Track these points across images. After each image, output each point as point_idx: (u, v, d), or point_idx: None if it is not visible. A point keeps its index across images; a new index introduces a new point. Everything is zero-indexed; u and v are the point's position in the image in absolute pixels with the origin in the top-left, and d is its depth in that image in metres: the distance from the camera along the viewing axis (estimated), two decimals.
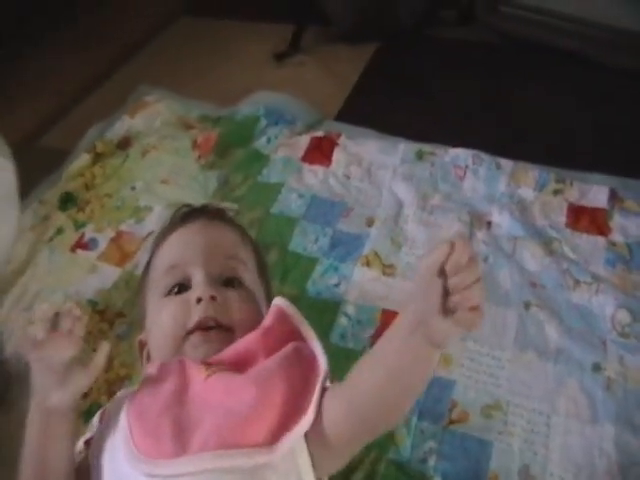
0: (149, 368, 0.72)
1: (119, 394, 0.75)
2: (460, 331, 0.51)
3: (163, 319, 0.73)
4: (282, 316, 0.69)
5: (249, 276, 0.79)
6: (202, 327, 0.71)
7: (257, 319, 0.73)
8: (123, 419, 0.66)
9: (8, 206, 1.03)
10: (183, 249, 0.79)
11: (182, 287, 0.75)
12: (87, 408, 0.89)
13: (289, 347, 0.66)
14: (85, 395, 0.90)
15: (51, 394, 0.64)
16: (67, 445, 0.68)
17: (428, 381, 0.58)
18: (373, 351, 0.60)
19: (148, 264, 0.84)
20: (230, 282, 0.76)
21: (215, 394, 0.63)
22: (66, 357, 0.63)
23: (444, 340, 0.53)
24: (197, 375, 0.65)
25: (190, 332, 0.71)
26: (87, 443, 0.71)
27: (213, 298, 0.73)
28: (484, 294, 0.49)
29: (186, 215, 0.86)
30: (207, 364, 0.67)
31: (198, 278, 0.75)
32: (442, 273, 0.49)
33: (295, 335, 0.68)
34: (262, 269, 0.84)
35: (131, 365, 0.92)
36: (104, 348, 0.66)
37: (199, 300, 0.72)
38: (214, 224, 0.84)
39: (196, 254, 0.77)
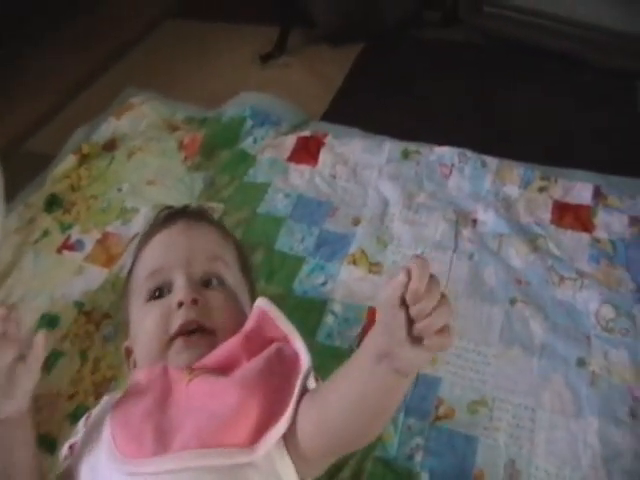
0: (134, 374, 0.73)
1: (104, 399, 0.74)
2: (429, 357, 0.50)
3: (146, 325, 0.73)
4: (264, 317, 0.69)
5: (232, 276, 0.79)
6: (184, 332, 0.71)
7: (240, 319, 0.73)
8: (106, 426, 0.66)
9: None
10: (164, 253, 0.79)
11: (163, 291, 0.75)
12: (73, 410, 0.89)
13: (272, 348, 0.66)
14: (71, 397, 0.90)
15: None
16: (28, 453, 0.66)
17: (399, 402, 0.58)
18: (340, 377, 0.58)
19: (131, 269, 0.84)
20: (211, 282, 0.76)
21: (197, 397, 0.64)
22: (4, 364, 0.60)
23: (412, 369, 0.52)
24: (179, 380, 0.66)
25: (173, 337, 0.71)
26: (72, 448, 0.71)
27: (194, 302, 0.73)
28: (450, 312, 0.47)
29: (167, 217, 0.86)
30: (190, 369, 0.67)
31: (179, 282, 0.74)
32: (403, 303, 0.47)
33: (278, 336, 0.68)
34: (245, 268, 0.84)
35: (117, 367, 0.92)
36: (40, 339, 0.63)
37: (180, 304, 0.72)
38: (195, 225, 0.84)
39: (177, 257, 0.77)
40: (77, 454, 0.69)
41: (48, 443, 0.85)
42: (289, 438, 0.61)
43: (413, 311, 0.47)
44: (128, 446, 0.62)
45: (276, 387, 0.62)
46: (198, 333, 0.72)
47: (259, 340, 0.68)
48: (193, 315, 0.72)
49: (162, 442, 0.60)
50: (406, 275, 0.47)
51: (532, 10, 1.75)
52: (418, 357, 0.50)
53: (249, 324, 0.70)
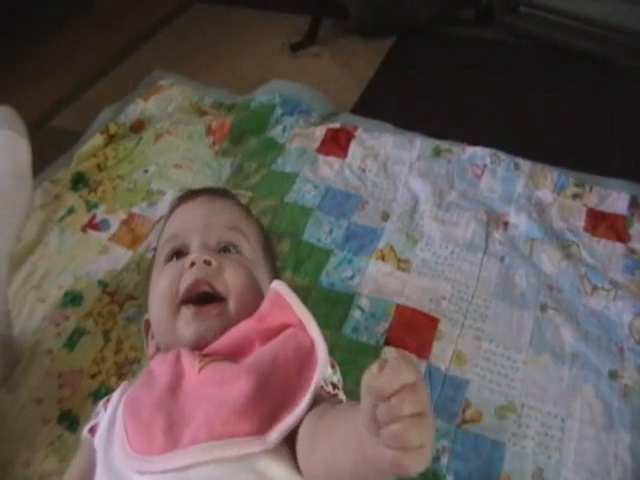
0: (150, 362, 0.72)
1: (122, 385, 0.73)
2: (398, 461, 0.40)
3: (158, 285, 0.73)
4: (280, 301, 0.66)
5: (250, 250, 0.77)
6: (194, 296, 0.70)
7: (254, 294, 0.72)
8: (120, 412, 0.65)
9: (22, 183, 1.01)
10: (184, 220, 0.79)
11: (179, 254, 0.75)
12: (96, 389, 0.88)
13: (287, 333, 0.64)
14: (94, 376, 0.90)
15: None
16: None
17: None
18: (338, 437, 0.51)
19: (155, 248, 0.84)
20: (227, 249, 0.75)
21: (208, 386, 0.62)
22: None
23: (383, 467, 0.42)
24: (191, 367, 0.64)
25: (183, 301, 0.70)
26: (92, 430, 0.70)
27: (207, 262, 0.71)
28: (429, 434, 0.40)
29: (189, 194, 0.86)
30: (202, 355, 0.65)
31: (195, 245, 0.74)
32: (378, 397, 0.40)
33: (293, 321, 0.65)
34: (266, 245, 0.83)
35: (140, 348, 0.91)
36: None
37: (192, 264, 0.71)
38: (217, 199, 0.84)
39: (195, 223, 0.77)
40: (97, 438, 0.68)
41: (70, 420, 0.84)
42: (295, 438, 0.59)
43: (378, 411, 0.40)
44: (138, 439, 0.61)
45: (291, 375, 0.60)
46: (209, 303, 0.70)
47: (274, 324, 0.65)
48: (203, 274, 0.70)
49: (172, 436, 0.59)
50: (377, 368, 0.40)
51: (568, 12, 1.73)
52: (382, 455, 0.41)
53: (264, 306, 0.68)
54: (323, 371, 0.61)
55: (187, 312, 0.69)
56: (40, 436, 0.82)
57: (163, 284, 0.72)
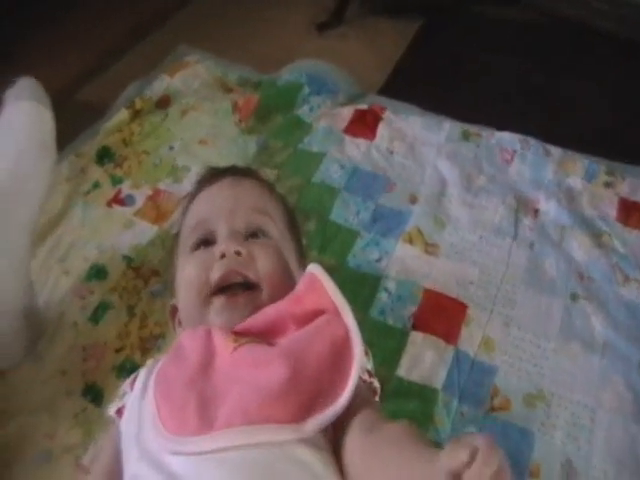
0: (178, 337, 0.70)
1: (149, 362, 0.72)
2: None
3: (187, 274, 0.72)
4: (315, 285, 0.65)
5: (277, 231, 0.76)
6: (227, 285, 0.69)
7: (285, 275, 0.71)
8: (150, 390, 0.64)
9: (45, 154, 1.01)
10: (209, 205, 0.78)
11: (207, 242, 0.73)
12: (120, 363, 0.88)
13: (322, 320, 0.63)
14: (118, 350, 0.89)
15: None
16: None
17: None
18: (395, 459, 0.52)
19: (178, 229, 0.82)
20: (255, 234, 0.74)
21: (243, 367, 0.61)
22: None
23: None
24: (224, 346, 0.63)
25: (214, 292, 0.69)
26: (120, 411, 0.69)
27: (237, 253, 0.70)
28: None
29: (213, 175, 0.85)
30: (235, 334, 0.64)
31: (223, 232, 0.73)
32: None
33: (328, 307, 0.64)
34: (292, 225, 0.81)
35: (165, 324, 0.91)
36: None
37: (223, 256, 0.70)
38: (241, 181, 0.82)
39: (221, 209, 0.75)
40: (125, 416, 0.67)
41: (94, 393, 0.84)
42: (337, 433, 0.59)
43: None
44: (171, 419, 0.59)
45: (326, 364, 0.59)
46: (241, 292, 0.69)
47: (308, 308, 0.64)
48: (235, 265, 0.69)
49: (206, 416, 0.58)
50: (469, 455, 0.40)
51: None
52: None
53: (300, 287, 0.66)
54: (360, 363, 0.60)
55: (218, 303, 0.69)
56: (64, 408, 0.83)
57: (192, 274, 0.71)
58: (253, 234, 0.74)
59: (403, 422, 0.56)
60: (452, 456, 0.41)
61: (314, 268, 0.66)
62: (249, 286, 0.70)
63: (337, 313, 0.63)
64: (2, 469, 0.76)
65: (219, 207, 0.76)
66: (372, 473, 0.54)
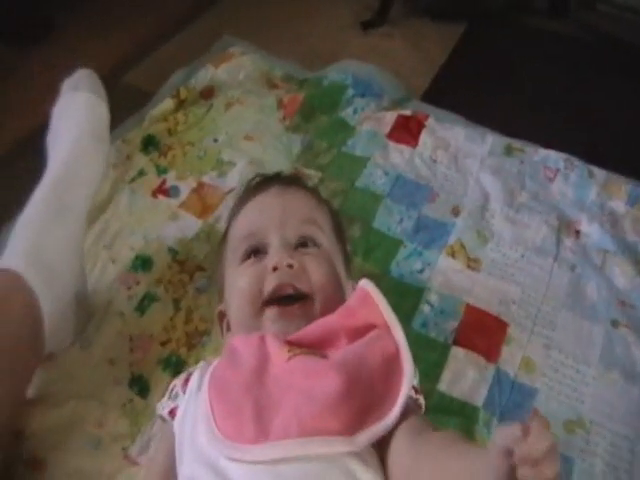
0: (230, 340, 0.72)
1: (201, 366, 0.73)
2: None
3: (240, 285, 0.73)
4: (367, 300, 0.67)
5: (326, 239, 0.78)
6: (280, 296, 0.71)
7: (335, 283, 0.73)
8: (204, 392, 0.65)
9: (100, 145, 1.02)
10: (259, 216, 0.79)
11: (258, 253, 0.75)
12: (166, 357, 0.89)
13: (373, 335, 0.64)
14: (164, 343, 0.91)
15: None
16: None
17: None
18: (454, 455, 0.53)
19: (225, 235, 0.84)
20: (305, 244, 0.75)
21: (297, 377, 0.62)
22: None
23: None
24: (279, 355, 0.64)
25: (267, 303, 0.71)
26: (172, 412, 0.71)
27: (290, 266, 0.72)
28: None
29: (260, 183, 0.86)
30: (289, 343, 0.66)
31: (274, 244, 0.74)
32: (511, 454, 0.41)
33: (378, 322, 0.65)
34: (339, 234, 0.83)
35: (210, 320, 0.92)
36: None
37: (275, 269, 0.71)
38: (289, 190, 0.83)
39: (272, 220, 0.76)
40: (179, 417, 0.69)
41: (141, 386, 0.86)
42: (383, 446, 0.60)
43: (520, 474, 0.41)
44: (228, 424, 0.61)
45: (378, 379, 0.61)
46: (294, 302, 0.71)
47: (360, 322, 0.66)
48: (287, 278, 0.71)
49: (262, 424, 0.59)
50: (522, 432, 0.41)
51: None
52: None
53: (352, 303, 0.68)
54: (411, 381, 0.61)
55: (271, 313, 0.70)
56: (112, 396, 0.84)
57: (244, 285, 0.72)
58: (304, 244, 0.75)
59: (450, 429, 0.58)
60: (505, 434, 0.42)
61: (366, 284, 0.68)
62: (301, 296, 0.71)
63: (387, 329, 0.65)
64: (53, 451, 0.77)
65: (269, 217, 0.77)
66: (421, 469, 0.56)
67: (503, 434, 0.42)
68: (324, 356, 0.65)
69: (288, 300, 0.71)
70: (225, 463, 0.59)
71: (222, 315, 0.79)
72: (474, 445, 0.51)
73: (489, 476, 0.44)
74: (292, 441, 0.58)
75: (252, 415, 0.60)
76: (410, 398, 0.65)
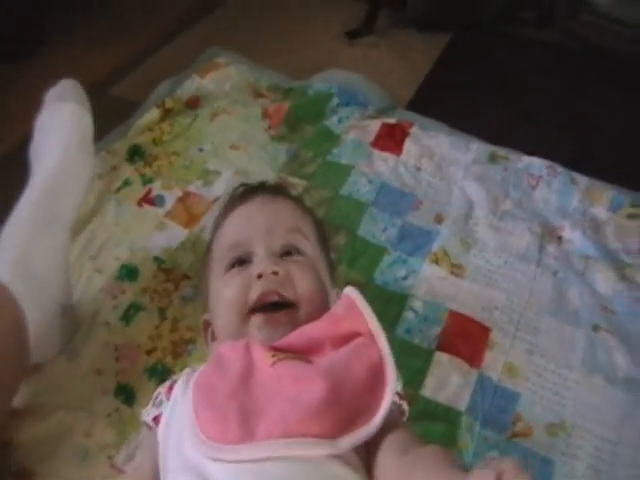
0: (217, 348, 0.72)
1: (186, 372, 0.73)
2: None
3: (225, 294, 0.73)
4: (351, 307, 0.68)
5: (310, 247, 0.78)
6: (265, 303, 0.71)
7: (321, 293, 0.74)
8: (189, 398, 0.66)
9: (86, 155, 1.03)
10: (244, 226, 0.79)
11: (243, 262, 0.75)
12: (152, 365, 0.89)
13: (358, 342, 0.65)
14: (149, 352, 0.91)
15: None
16: None
17: None
18: None
19: (210, 245, 0.84)
20: (289, 252, 0.76)
21: (282, 382, 0.63)
22: None
23: None
24: (263, 360, 0.65)
25: (253, 311, 0.71)
26: (156, 419, 0.71)
27: (275, 273, 0.72)
28: None
29: (245, 193, 0.86)
30: (273, 349, 0.66)
31: (259, 253, 0.75)
32: None
33: (363, 330, 0.66)
34: (324, 243, 0.84)
35: (196, 328, 0.92)
36: None
37: (260, 276, 0.72)
38: (273, 199, 0.84)
39: (257, 229, 0.77)
40: (163, 424, 0.69)
41: (127, 394, 0.86)
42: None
43: None
44: (213, 427, 0.61)
45: (363, 386, 0.62)
46: (280, 310, 0.71)
47: (345, 330, 0.67)
48: (273, 285, 0.71)
49: (247, 427, 0.59)
50: (496, 475, 0.42)
51: (629, 23, 1.71)
52: None
53: (338, 310, 0.69)
54: (394, 388, 0.62)
55: (257, 320, 0.71)
56: (100, 407, 0.84)
57: (229, 294, 0.73)
58: (289, 253, 0.76)
59: (435, 446, 0.59)
60: (479, 477, 0.43)
61: (351, 292, 0.69)
62: (286, 304, 0.72)
63: (372, 337, 0.65)
64: (42, 463, 0.77)
65: (254, 227, 0.77)
66: None
67: (478, 477, 0.43)
68: (309, 361, 0.65)
69: (274, 307, 0.72)
70: (208, 464, 0.59)
71: (207, 324, 0.80)
72: (455, 471, 0.52)
73: None
74: (275, 442, 0.58)
75: (237, 419, 0.60)
76: (394, 404, 0.66)
